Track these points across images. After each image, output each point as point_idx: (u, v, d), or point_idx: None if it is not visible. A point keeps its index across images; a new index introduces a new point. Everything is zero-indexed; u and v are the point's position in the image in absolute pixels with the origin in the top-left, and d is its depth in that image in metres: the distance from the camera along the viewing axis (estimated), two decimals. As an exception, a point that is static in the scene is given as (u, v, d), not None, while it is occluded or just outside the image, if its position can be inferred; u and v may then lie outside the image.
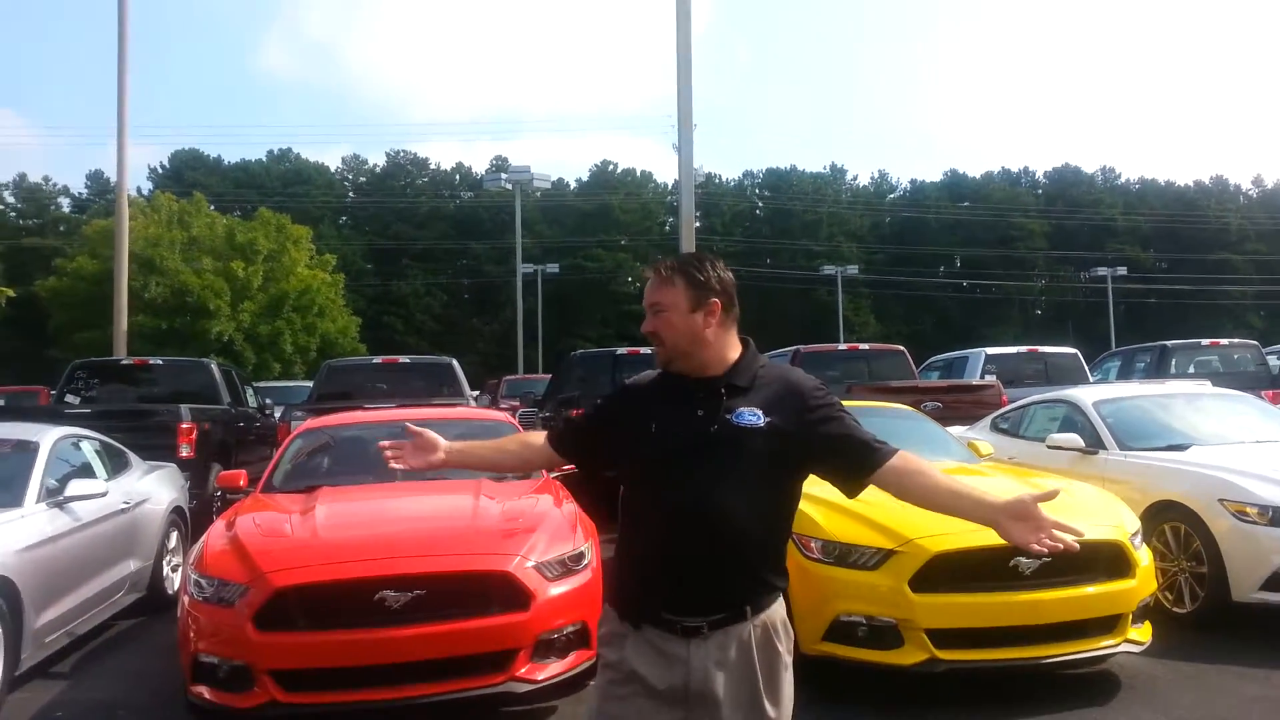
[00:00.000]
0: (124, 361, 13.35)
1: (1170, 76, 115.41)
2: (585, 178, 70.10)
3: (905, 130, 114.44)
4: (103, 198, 54.99)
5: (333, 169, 69.87)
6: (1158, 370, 14.43)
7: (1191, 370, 14.56)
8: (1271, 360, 15.08)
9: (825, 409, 2.38)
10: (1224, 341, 15.92)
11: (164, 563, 7.36)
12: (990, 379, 12.80)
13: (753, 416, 2.32)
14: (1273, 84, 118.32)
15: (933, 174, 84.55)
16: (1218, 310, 61.24)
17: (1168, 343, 15.29)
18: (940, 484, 2.33)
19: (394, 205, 65.37)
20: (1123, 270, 57.20)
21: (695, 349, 2.40)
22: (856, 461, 2.36)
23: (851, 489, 2.41)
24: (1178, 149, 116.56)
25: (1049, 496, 2.22)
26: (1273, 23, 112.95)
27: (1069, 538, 2.18)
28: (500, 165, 59.54)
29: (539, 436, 2.72)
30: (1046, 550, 2.19)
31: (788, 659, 2.37)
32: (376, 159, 73.01)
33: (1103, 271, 56.41)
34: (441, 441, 2.66)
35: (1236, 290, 64.83)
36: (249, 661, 4.30)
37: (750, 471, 2.30)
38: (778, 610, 2.37)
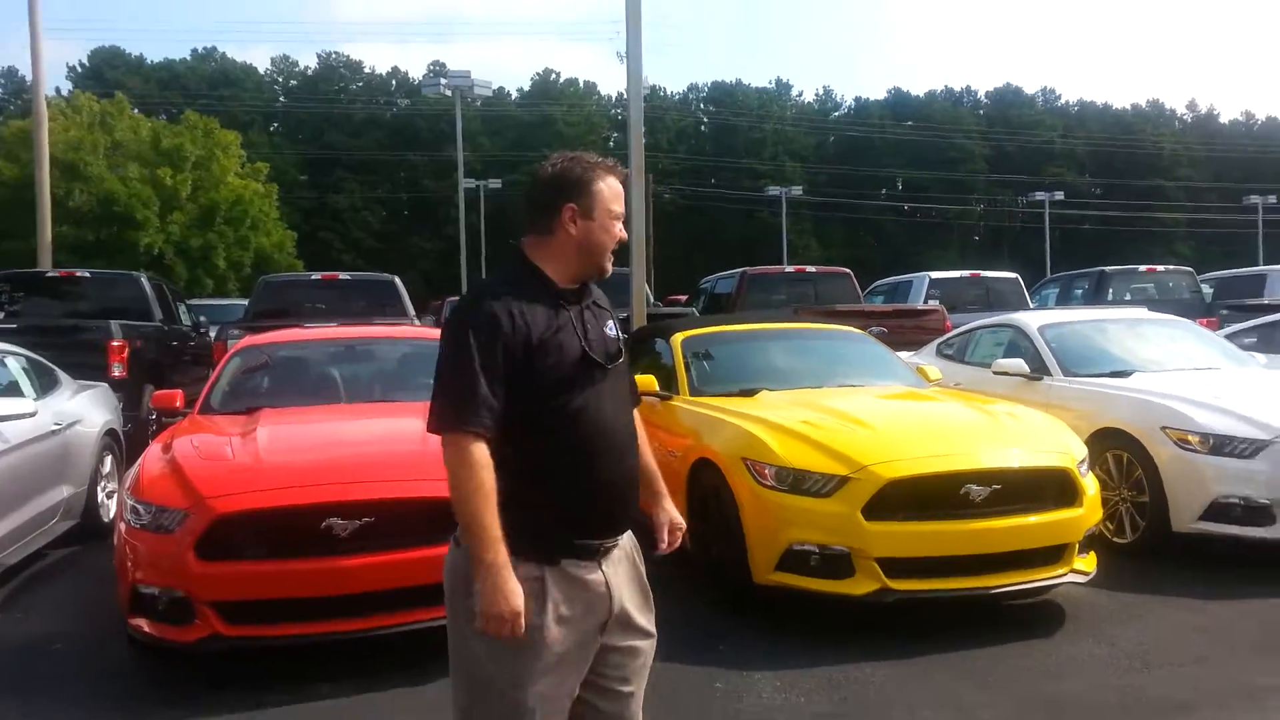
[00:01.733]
0: (49, 274, 12.76)
1: None
2: (526, 87, 68.49)
3: (851, 45, 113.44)
4: (19, 98, 52.33)
5: (261, 70, 67.24)
6: (1095, 296, 14.66)
7: (1128, 297, 14.80)
8: (1205, 288, 15.41)
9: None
10: (1160, 268, 16.21)
11: (98, 488, 7.11)
12: (934, 304, 12.90)
13: (616, 329, 2.40)
14: (1211, 10, 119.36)
15: (877, 91, 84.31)
16: (1149, 237, 62.47)
17: (1105, 268, 15.52)
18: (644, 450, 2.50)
19: (327, 112, 63.18)
20: (1059, 195, 57.90)
21: None
22: (634, 391, 2.54)
23: None
24: (1117, 71, 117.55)
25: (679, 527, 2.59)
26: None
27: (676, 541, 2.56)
28: (439, 70, 57.65)
29: (479, 453, 2.12)
30: (664, 549, 2.55)
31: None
32: (307, 61, 70.42)
33: (1040, 196, 57.05)
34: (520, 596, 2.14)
35: (1168, 218, 66.20)
36: (190, 592, 4.16)
37: (625, 382, 2.44)
38: None
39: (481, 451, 2.12)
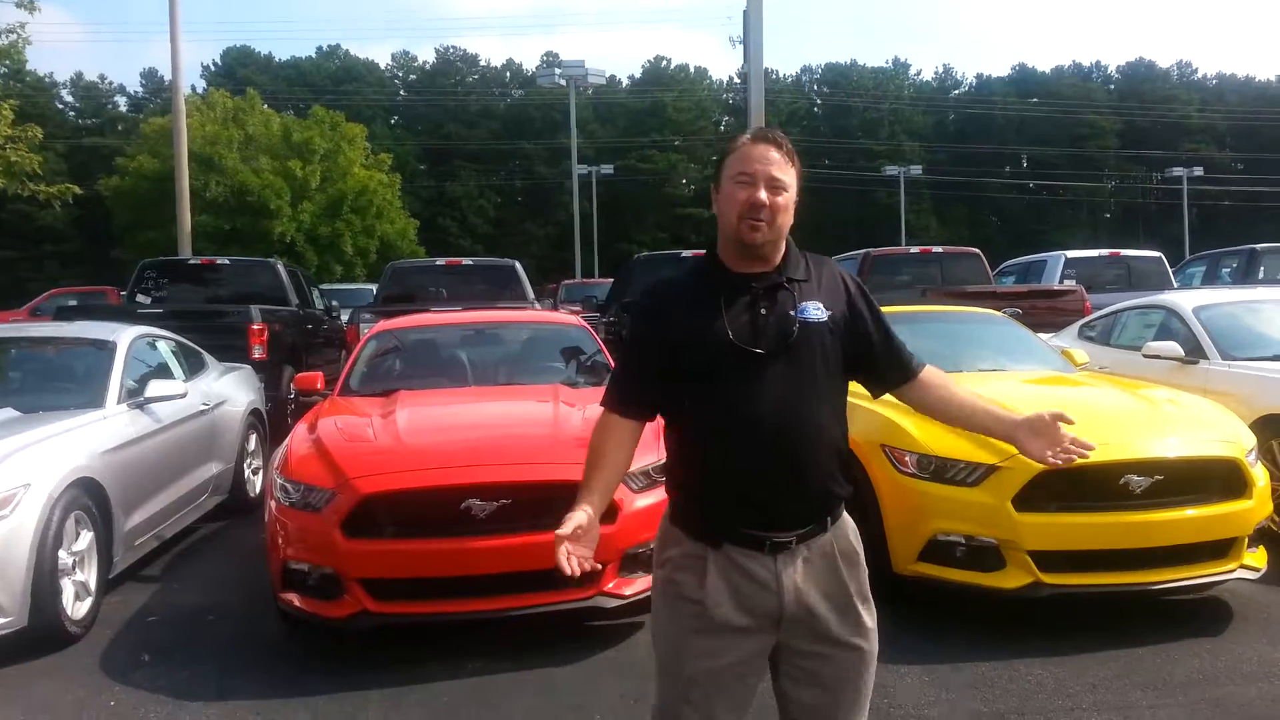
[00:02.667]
0: (191, 261, 13.37)
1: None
2: (637, 74, 68.55)
3: (971, 22, 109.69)
4: (158, 96, 55.01)
5: (382, 66, 69.14)
6: (1246, 276, 13.77)
7: (1281, 276, 13.88)
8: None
9: (873, 304, 2.32)
10: (1318, 245, 15.12)
11: (245, 466, 7.41)
12: (1071, 284, 12.33)
13: (817, 310, 2.19)
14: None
15: (1000, 69, 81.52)
16: (1298, 213, 58.69)
17: (1257, 246, 14.54)
18: (962, 398, 2.32)
19: (445, 104, 64.57)
20: (1199, 170, 54.77)
21: (781, 241, 2.24)
22: (897, 366, 2.33)
23: (880, 391, 2.38)
24: (1258, 42, 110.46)
25: (1064, 418, 2.24)
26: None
27: (1083, 450, 2.23)
28: (552, 61, 58.23)
29: (604, 428, 2.28)
30: (1062, 463, 2.23)
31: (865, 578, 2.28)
32: (426, 55, 72.09)
33: (1178, 172, 54.08)
34: (579, 517, 2.14)
35: (1319, 191, 62.01)
36: (338, 569, 4.26)
37: (821, 371, 2.18)
38: (848, 517, 2.30)
39: (608, 424, 2.28)
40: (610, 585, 4.42)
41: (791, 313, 2.16)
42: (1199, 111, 65.69)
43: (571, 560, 2.06)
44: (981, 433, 2.38)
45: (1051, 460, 2.23)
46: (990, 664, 4.12)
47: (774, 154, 2.17)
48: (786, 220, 2.19)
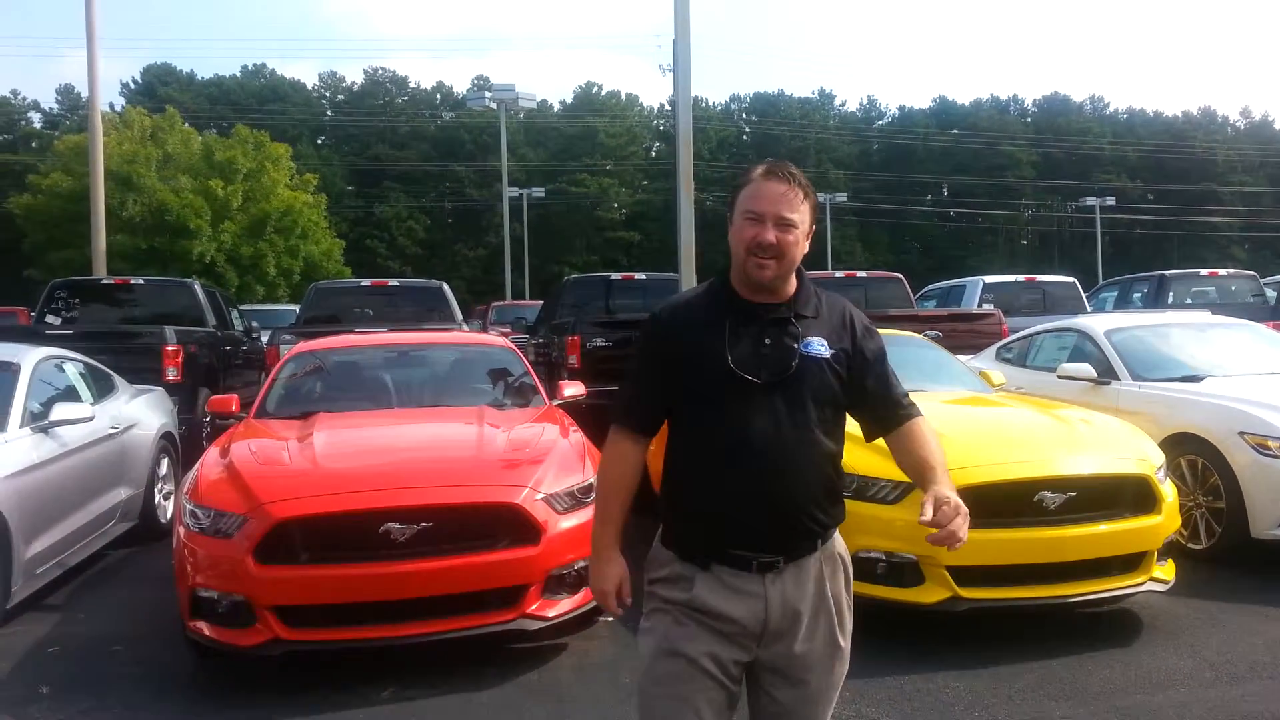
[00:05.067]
0: (105, 281, 12.94)
1: (1160, 5, 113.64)
2: (569, 99, 68.80)
3: (895, 55, 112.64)
4: (74, 113, 53.49)
5: (309, 86, 68.19)
6: (1156, 300, 14.30)
7: (1189, 301, 14.42)
8: (1268, 291, 14.96)
9: (878, 344, 2.34)
10: (1222, 272, 15.74)
11: (155, 490, 7.17)
12: (990, 308, 12.64)
13: (820, 347, 2.21)
14: (1262, 16, 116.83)
15: (921, 101, 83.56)
16: (1203, 241, 61.17)
17: (1166, 272, 15.13)
18: (934, 455, 2.28)
19: (373, 125, 63.91)
20: (1111, 200, 56.85)
21: (789, 276, 2.25)
22: (892, 409, 2.34)
23: (872, 434, 2.39)
24: (1166, 79, 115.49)
25: (932, 523, 2.11)
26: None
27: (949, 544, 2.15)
28: (483, 84, 58.01)
29: (618, 447, 2.30)
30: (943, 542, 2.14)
31: (850, 590, 2.32)
32: (354, 76, 71.33)
33: (1091, 201, 56.02)
34: (617, 572, 2.30)
35: (1222, 222, 64.80)
36: (249, 596, 4.13)
37: (819, 404, 2.20)
38: (839, 540, 2.32)
39: (622, 445, 2.31)
40: (534, 607, 4.37)
41: (794, 346, 2.19)
42: (1111, 144, 68.23)
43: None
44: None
45: (940, 535, 2.14)
46: (909, 678, 4.16)
47: (784, 190, 2.19)
48: (795, 256, 2.20)
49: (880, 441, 4.83)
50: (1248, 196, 65.64)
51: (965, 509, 2.14)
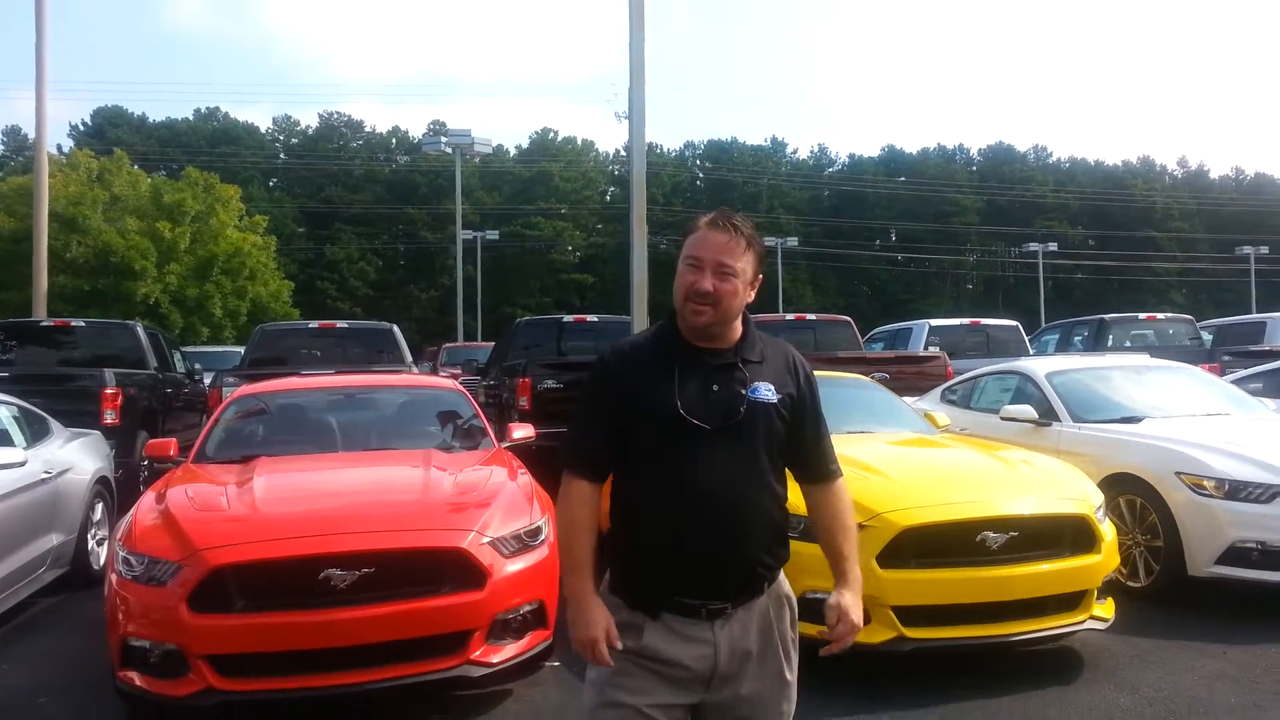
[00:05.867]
0: (44, 323, 12.67)
1: (1100, 58, 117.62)
2: (525, 145, 69.18)
3: (844, 105, 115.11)
4: (20, 154, 52.66)
5: (263, 129, 67.92)
6: (1095, 343, 14.62)
7: (1128, 344, 14.76)
8: (1204, 335, 15.39)
9: (816, 396, 2.37)
10: (1160, 316, 16.17)
11: (89, 536, 6.95)
12: (935, 350, 12.84)
13: (767, 392, 2.24)
14: (1198, 68, 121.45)
15: (870, 149, 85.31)
16: (1142, 286, 62.86)
17: (1105, 316, 15.51)
18: (848, 525, 2.37)
19: (327, 168, 63.66)
20: (1053, 246, 58.29)
21: (732, 322, 2.27)
22: (822, 462, 2.37)
23: (798, 479, 2.40)
24: (1107, 129, 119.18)
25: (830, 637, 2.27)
26: (1198, 9, 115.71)
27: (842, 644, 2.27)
28: (439, 129, 58.23)
29: (579, 493, 2.26)
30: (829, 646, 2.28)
31: (796, 629, 2.36)
32: (309, 120, 71.08)
33: (1034, 247, 57.41)
34: (601, 619, 2.21)
35: (1161, 268, 66.69)
36: (183, 645, 4.00)
37: (766, 449, 2.23)
38: (784, 581, 2.35)
39: (579, 489, 2.26)
40: (478, 653, 4.28)
41: (742, 391, 2.21)
42: (1054, 191, 70.11)
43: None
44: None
45: (832, 635, 2.27)
46: (855, 718, 4.15)
47: (725, 240, 2.21)
48: (734, 305, 2.22)
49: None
50: (1185, 242, 67.72)
51: (860, 621, 2.27)
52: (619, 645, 2.19)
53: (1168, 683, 4.56)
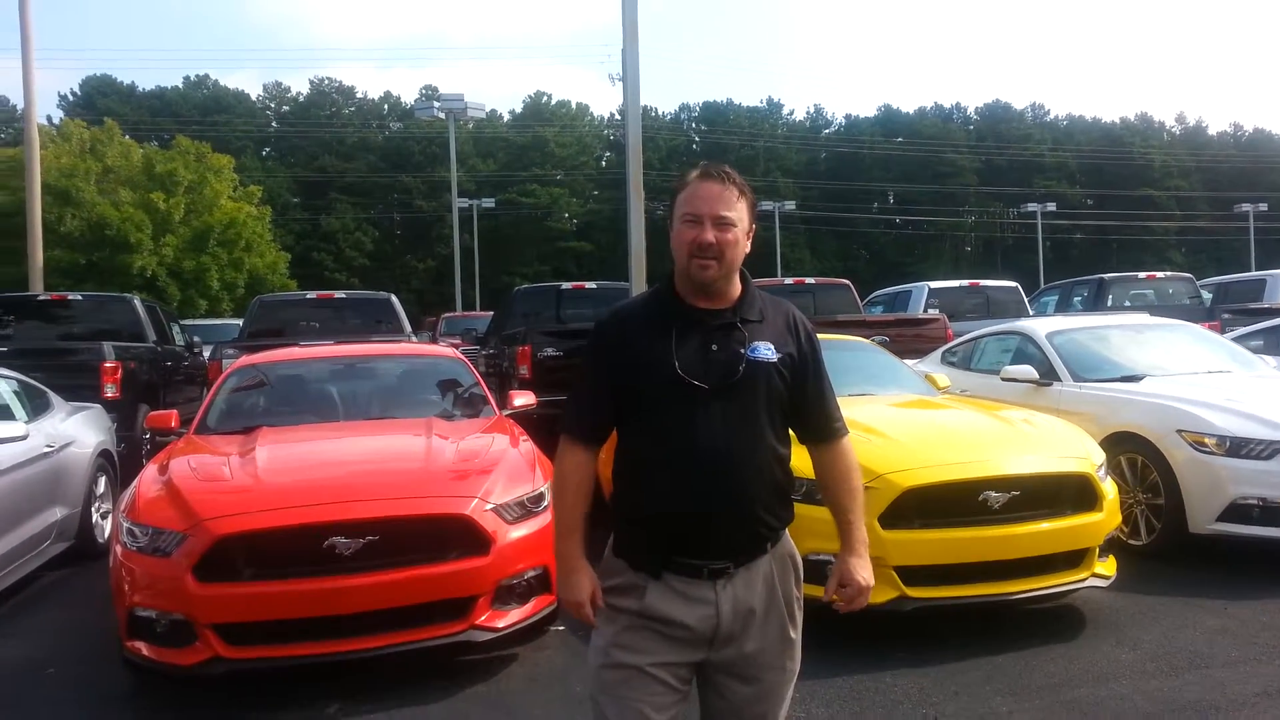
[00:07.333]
0: (41, 297, 12.62)
1: (1098, 12, 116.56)
2: (518, 109, 68.66)
3: (841, 65, 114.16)
4: (9, 126, 52.19)
5: (254, 97, 67.33)
6: (1095, 303, 14.62)
7: (1127, 303, 14.77)
8: (1204, 293, 15.37)
9: (818, 355, 2.36)
10: (1159, 275, 16.13)
11: (92, 509, 6.98)
12: (935, 312, 12.82)
13: (767, 351, 2.22)
14: (1196, 22, 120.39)
15: (867, 110, 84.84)
16: (1141, 245, 62.72)
17: (1105, 276, 15.49)
18: (854, 486, 2.39)
19: (320, 135, 63.16)
20: (1051, 206, 58.04)
21: (734, 274, 2.26)
22: (826, 420, 2.36)
23: (802, 439, 2.39)
24: (1105, 86, 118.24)
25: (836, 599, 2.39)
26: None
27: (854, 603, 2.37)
28: (431, 94, 57.76)
29: (573, 457, 2.29)
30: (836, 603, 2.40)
31: (800, 589, 2.35)
32: (299, 86, 70.48)
33: (1032, 207, 57.17)
34: (586, 583, 2.27)
35: (1159, 226, 66.48)
36: (189, 615, 4.03)
37: (766, 409, 2.22)
38: (789, 541, 2.35)
39: (574, 453, 2.29)
40: (483, 618, 4.31)
41: (741, 350, 2.19)
42: (1052, 150, 69.75)
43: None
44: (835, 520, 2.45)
45: (833, 595, 2.39)
46: (858, 677, 4.19)
47: (720, 190, 2.20)
48: (736, 255, 2.21)
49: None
50: (1183, 201, 67.52)
51: (870, 582, 2.35)
52: (602, 605, 2.24)
53: (1169, 639, 4.59)
